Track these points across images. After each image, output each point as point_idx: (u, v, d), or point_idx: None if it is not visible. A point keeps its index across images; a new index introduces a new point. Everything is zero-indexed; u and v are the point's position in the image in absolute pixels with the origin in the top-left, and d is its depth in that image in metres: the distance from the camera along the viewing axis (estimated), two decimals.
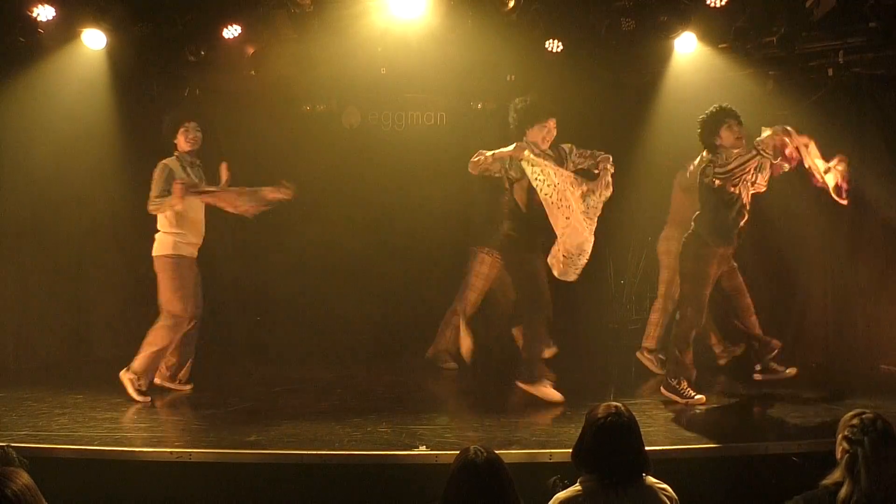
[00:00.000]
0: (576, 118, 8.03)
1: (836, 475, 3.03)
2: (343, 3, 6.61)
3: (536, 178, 5.55)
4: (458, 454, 3.00)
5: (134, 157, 6.93)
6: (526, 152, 5.54)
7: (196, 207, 5.80)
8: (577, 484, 3.02)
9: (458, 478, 2.91)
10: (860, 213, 7.16)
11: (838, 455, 3.06)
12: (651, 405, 5.66)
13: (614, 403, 3.09)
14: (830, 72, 6.96)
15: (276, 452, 4.48)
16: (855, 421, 3.03)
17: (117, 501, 4.27)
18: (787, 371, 6.06)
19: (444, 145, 8.16)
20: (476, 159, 5.58)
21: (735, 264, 6.02)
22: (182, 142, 5.77)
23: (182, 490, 4.31)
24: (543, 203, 5.55)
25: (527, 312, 5.85)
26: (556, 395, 5.64)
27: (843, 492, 2.95)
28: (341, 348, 8.20)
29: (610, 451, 2.97)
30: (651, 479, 3.01)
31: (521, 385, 5.75)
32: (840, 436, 3.07)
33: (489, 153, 5.57)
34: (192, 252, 5.84)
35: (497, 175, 5.75)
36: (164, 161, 5.78)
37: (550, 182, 5.52)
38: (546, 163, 5.56)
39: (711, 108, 5.78)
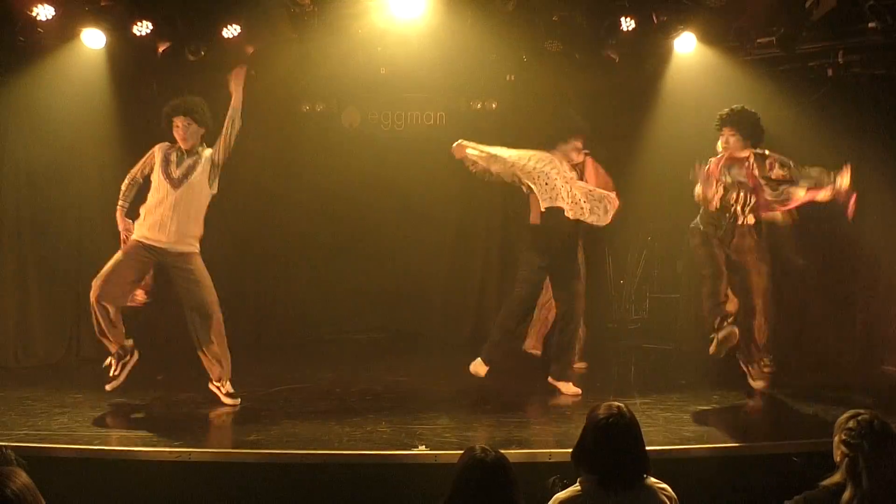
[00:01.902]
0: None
1: (836, 477, 3.03)
2: (343, 2, 6.61)
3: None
4: (464, 453, 3.00)
5: (134, 157, 6.90)
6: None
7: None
8: (577, 484, 3.02)
9: (465, 477, 2.91)
10: (859, 210, 7.15)
11: (837, 458, 3.06)
12: (651, 405, 5.66)
13: (616, 403, 3.08)
14: (830, 72, 6.96)
15: (275, 452, 4.48)
16: (852, 423, 3.02)
17: (117, 501, 4.27)
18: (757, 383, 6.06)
19: (443, 145, 8.13)
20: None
21: (757, 264, 6.03)
22: (175, 136, 5.60)
23: (182, 490, 4.31)
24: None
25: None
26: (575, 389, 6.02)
27: (845, 496, 2.95)
28: (342, 348, 8.21)
29: (610, 452, 2.97)
30: (651, 479, 3.01)
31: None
32: (837, 438, 3.06)
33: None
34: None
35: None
36: (157, 145, 5.62)
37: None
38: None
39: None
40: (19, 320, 7.05)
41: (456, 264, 8.64)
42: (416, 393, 6.14)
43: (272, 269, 8.43)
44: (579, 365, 6.84)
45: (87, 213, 7.33)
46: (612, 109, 7.97)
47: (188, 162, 5.55)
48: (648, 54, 7.04)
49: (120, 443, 4.65)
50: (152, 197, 5.56)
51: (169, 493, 4.30)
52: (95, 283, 5.47)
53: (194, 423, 5.29)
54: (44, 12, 6.20)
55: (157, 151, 5.61)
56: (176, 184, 5.50)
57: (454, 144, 5.81)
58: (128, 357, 5.60)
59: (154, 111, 5.79)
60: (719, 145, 5.97)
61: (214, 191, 5.64)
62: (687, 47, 6.89)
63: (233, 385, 5.71)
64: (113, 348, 5.57)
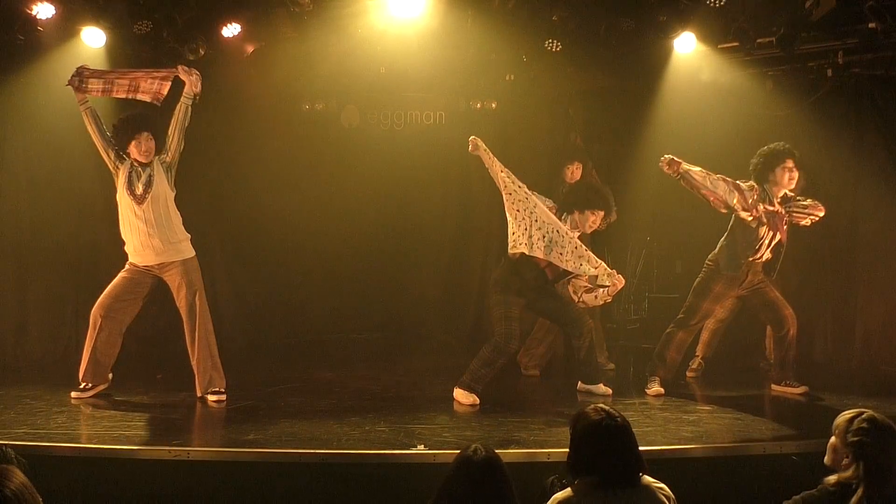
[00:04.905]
0: (575, 118, 8.08)
1: (835, 477, 3.03)
2: (342, 2, 6.62)
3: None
4: (459, 452, 3.00)
5: None
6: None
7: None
8: (575, 484, 3.01)
9: (455, 475, 2.91)
10: (858, 211, 7.16)
11: (827, 459, 3.07)
12: (650, 405, 5.67)
13: (602, 406, 3.07)
14: (830, 72, 6.97)
15: (274, 451, 4.47)
16: (855, 423, 3.02)
17: (115, 500, 4.27)
18: (800, 388, 6.03)
19: (443, 144, 8.16)
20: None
21: (762, 284, 5.99)
22: (135, 152, 5.62)
23: (180, 488, 4.30)
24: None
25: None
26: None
27: (854, 499, 2.94)
28: (341, 347, 8.20)
29: (606, 454, 2.96)
30: (648, 479, 3.01)
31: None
32: (837, 439, 3.06)
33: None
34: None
35: None
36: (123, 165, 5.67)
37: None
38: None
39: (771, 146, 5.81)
40: (19, 320, 7.04)
41: (455, 264, 8.64)
42: (416, 392, 6.14)
43: (271, 269, 8.42)
44: (609, 366, 6.91)
45: (86, 212, 7.32)
46: (611, 110, 7.97)
47: (145, 176, 5.62)
48: (648, 54, 7.04)
49: (118, 441, 4.64)
50: (122, 218, 5.66)
51: (167, 491, 4.30)
52: (98, 301, 5.70)
53: (193, 422, 5.29)
54: (44, 11, 6.20)
55: (122, 171, 5.64)
56: (140, 199, 5.58)
57: (471, 137, 5.64)
58: (101, 386, 5.76)
59: (153, 110, 5.78)
60: (782, 180, 5.79)
61: (174, 191, 5.70)
62: (687, 47, 6.90)
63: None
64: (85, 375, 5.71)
